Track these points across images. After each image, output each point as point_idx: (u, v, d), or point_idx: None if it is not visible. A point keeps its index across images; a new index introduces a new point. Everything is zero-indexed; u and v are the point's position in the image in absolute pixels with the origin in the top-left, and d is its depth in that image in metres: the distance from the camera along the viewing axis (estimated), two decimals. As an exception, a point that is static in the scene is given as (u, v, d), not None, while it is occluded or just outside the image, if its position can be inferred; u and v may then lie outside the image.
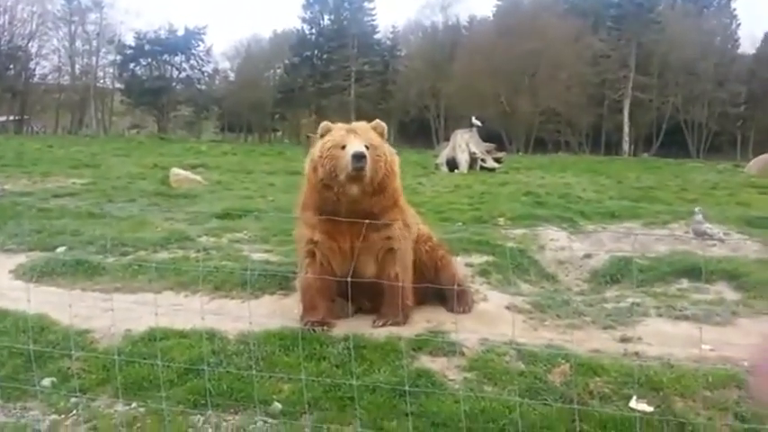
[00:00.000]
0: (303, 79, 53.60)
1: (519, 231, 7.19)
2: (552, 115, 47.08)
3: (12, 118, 48.67)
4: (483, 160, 19.91)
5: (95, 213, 8.06)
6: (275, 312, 4.65)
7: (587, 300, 5.13)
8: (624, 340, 4.13)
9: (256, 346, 3.96)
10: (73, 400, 3.32)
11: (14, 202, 8.52)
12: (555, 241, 6.78)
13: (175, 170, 12.79)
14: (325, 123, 4.34)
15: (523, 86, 47.70)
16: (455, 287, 4.43)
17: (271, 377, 3.53)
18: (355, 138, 4.06)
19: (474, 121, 21.34)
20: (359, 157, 3.92)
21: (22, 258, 5.69)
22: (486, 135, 22.88)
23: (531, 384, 3.44)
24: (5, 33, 49.24)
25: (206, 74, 57.75)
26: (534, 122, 48.01)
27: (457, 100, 46.38)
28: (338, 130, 4.18)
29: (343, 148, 4.02)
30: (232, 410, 3.31)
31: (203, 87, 57.46)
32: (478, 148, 20.15)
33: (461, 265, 5.49)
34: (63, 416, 3.21)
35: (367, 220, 3.98)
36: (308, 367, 3.67)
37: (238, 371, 3.53)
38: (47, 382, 3.48)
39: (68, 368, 3.62)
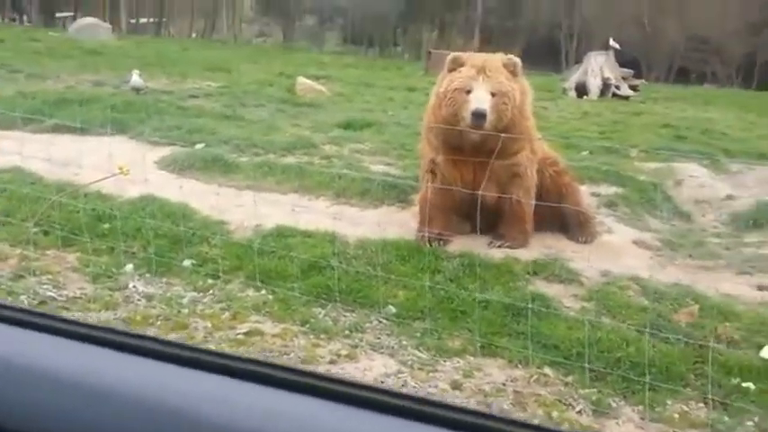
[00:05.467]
0: (429, -9, 51.75)
1: (653, 165, 6.72)
2: (700, 43, 42.45)
3: (151, 20, 51.65)
4: (617, 87, 18.55)
5: (229, 115, 8.49)
6: (392, 223, 4.76)
7: (724, 243, 4.77)
8: (762, 288, 3.84)
9: (374, 252, 4.10)
10: (210, 281, 3.64)
11: (157, 99, 9.14)
12: (694, 178, 6.28)
13: (301, 79, 13.04)
14: (455, 56, 4.15)
15: (671, 8, 43.16)
16: (579, 215, 4.28)
17: (387, 282, 3.66)
18: (483, 83, 3.87)
19: (611, 43, 19.75)
20: (478, 116, 3.79)
21: (165, 151, 6.14)
22: (623, 60, 21.17)
23: (654, 321, 3.31)
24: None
25: (332, -17, 57.42)
26: (678, 49, 43.63)
27: (593, 20, 42.98)
28: (468, 68, 3.97)
29: (468, 93, 3.88)
30: (349, 308, 3.48)
31: (329, -3, 57.31)
32: (613, 73, 18.75)
33: (587, 195, 5.27)
34: (201, 293, 3.54)
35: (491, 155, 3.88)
36: (423, 278, 3.75)
37: (358, 273, 3.69)
38: (187, 262, 3.83)
39: (206, 253, 3.95)
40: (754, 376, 2.90)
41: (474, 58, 4.09)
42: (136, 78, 9.93)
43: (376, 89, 15.58)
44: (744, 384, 2.87)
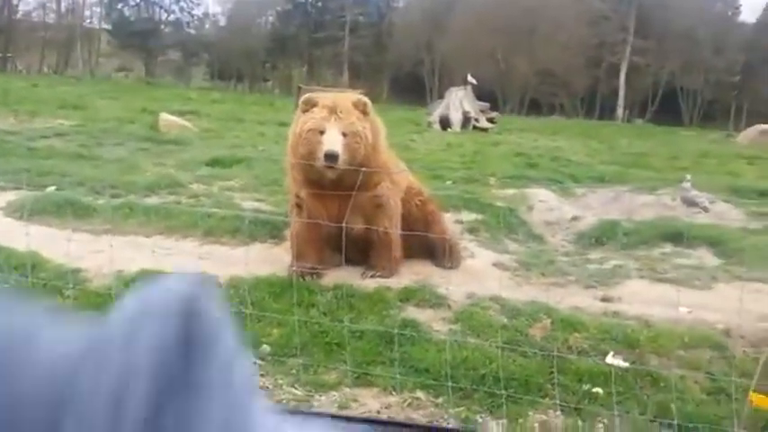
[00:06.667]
0: (296, 28, 52.38)
1: (509, 191, 7.25)
2: (548, 77, 46.59)
3: (-6, 55, 47.31)
4: (476, 120, 19.82)
5: (84, 155, 8.00)
6: (266, 260, 4.71)
7: (572, 260, 5.24)
8: (605, 300, 4.25)
9: (247, 291, 4.03)
10: (65, 335, 3.38)
11: (2, 140, 8.40)
12: (544, 203, 6.86)
13: (164, 115, 12.61)
14: (307, 97, 4.27)
15: (521, 46, 47.06)
16: (444, 242, 4.51)
17: (261, 320, 3.61)
18: (334, 123, 4.02)
19: (469, 79, 21.14)
20: (331, 157, 3.94)
21: (11, 196, 5.66)
22: (481, 94, 22.71)
23: (513, 337, 3.55)
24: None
25: (196, 17, 56.27)
26: (530, 84, 47.54)
27: (453, 56, 45.69)
28: (320, 108, 4.10)
29: (322, 133, 4.02)
30: (221, 351, 3.38)
31: (193, 32, 56.03)
32: (472, 107, 20.04)
33: (451, 222, 5.56)
34: (55, 350, 3.27)
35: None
36: (297, 313, 3.75)
37: (230, 313, 3.60)
38: (38, 317, 3.53)
39: (60, 305, 3.67)
40: (602, 381, 3.18)
41: (326, 98, 4.22)
42: (-25, 118, 9.08)
43: (246, 124, 15.44)
44: (593, 390, 3.15)
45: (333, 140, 3.96)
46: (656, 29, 46.67)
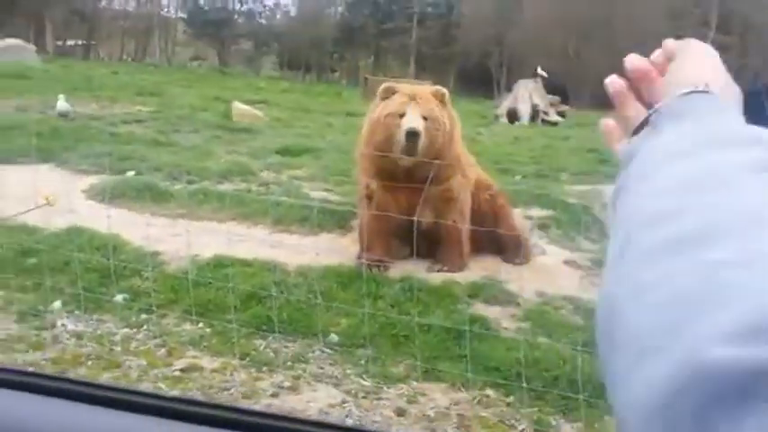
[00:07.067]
0: (364, 18, 52.57)
1: (582, 188, 7.01)
2: (623, 71, 44.74)
3: (80, 43, 49.90)
4: (545, 113, 19.32)
5: (162, 141, 8.29)
6: (333, 249, 4.75)
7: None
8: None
9: (315, 280, 4.06)
10: (143, 316, 3.51)
11: (85, 125, 8.82)
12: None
13: (237, 104, 12.91)
14: (387, 85, 4.27)
15: (595, 39, 45.46)
16: (514, 237, 4.41)
17: (329, 310, 3.63)
18: (415, 107, 4.00)
19: (539, 71, 20.60)
20: (412, 135, 3.91)
21: (93, 180, 5.93)
22: (551, 88, 22.08)
23: (589, 339, 3.42)
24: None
25: (267, 8, 57.49)
26: (603, 78, 45.62)
27: (522, 49, 44.68)
28: (399, 95, 4.10)
29: (402, 116, 3.99)
30: (291, 338, 3.43)
31: (264, 22, 57.28)
32: (542, 100, 19.54)
33: (520, 217, 5.43)
34: (134, 329, 3.40)
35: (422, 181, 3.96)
36: (364, 305, 3.75)
37: (299, 302, 3.64)
38: (119, 297, 3.68)
39: (139, 286, 3.81)
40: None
41: (405, 87, 4.23)
42: (62, 103, 9.57)
43: (314, 114, 15.61)
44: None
45: (413, 120, 3.94)
46: (739, 24, 44.07)
